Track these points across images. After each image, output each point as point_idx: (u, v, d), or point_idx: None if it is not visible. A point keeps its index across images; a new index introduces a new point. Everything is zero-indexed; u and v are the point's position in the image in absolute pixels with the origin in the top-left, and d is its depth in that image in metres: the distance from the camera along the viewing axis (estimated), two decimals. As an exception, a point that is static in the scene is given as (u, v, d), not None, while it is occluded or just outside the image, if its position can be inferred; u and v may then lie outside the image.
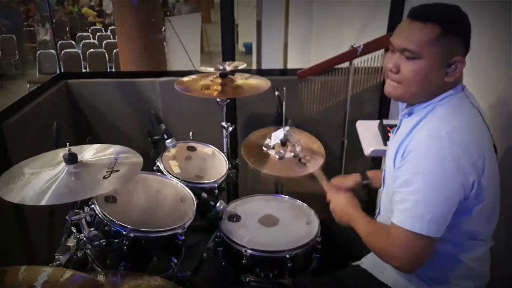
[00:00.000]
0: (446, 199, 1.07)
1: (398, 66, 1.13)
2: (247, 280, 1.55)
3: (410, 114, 1.21)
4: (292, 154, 1.85)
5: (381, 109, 2.50)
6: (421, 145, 1.09)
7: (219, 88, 1.98)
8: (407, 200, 1.09)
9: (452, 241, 1.17)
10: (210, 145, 2.07)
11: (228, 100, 2.09)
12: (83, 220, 1.30)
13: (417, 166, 1.08)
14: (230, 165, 1.97)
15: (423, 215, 1.06)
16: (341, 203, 1.39)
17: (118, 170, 1.25)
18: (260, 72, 2.60)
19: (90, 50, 7.01)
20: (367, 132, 1.98)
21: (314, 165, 1.84)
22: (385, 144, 1.84)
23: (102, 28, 9.74)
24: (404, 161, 1.12)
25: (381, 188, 1.36)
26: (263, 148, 1.95)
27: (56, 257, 1.25)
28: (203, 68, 2.22)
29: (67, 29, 10.08)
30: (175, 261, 1.51)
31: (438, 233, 1.08)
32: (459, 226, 1.14)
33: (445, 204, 1.07)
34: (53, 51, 6.97)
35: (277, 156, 1.87)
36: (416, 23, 1.09)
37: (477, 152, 1.07)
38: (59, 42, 7.59)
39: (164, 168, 1.81)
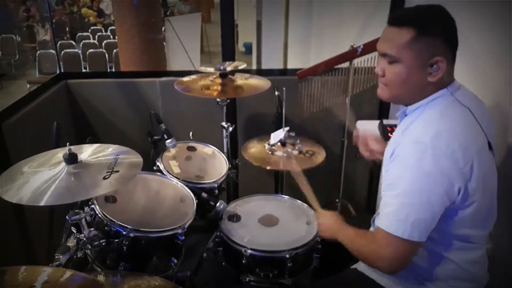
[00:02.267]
0: (429, 205, 1.07)
1: (384, 70, 1.17)
2: (247, 280, 1.55)
3: (406, 115, 1.22)
4: (298, 151, 1.88)
5: (381, 109, 2.50)
6: (406, 150, 1.09)
7: (219, 88, 1.98)
8: (391, 203, 1.10)
9: (444, 244, 1.17)
10: (210, 145, 2.07)
11: (228, 100, 2.09)
12: (83, 220, 1.30)
13: (400, 170, 1.09)
14: (230, 165, 1.97)
15: (405, 220, 1.07)
16: (328, 219, 1.41)
17: (118, 171, 1.25)
18: (260, 72, 2.60)
19: (90, 50, 7.01)
20: (367, 132, 1.98)
21: (319, 159, 1.89)
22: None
23: (102, 28, 9.73)
24: (391, 163, 1.13)
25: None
26: (267, 151, 1.96)
27: (56, 257, 1.25)
28: (203, 68, 2.22)
29: (67, 29, 10.08)
30: (175, 261, 1.51)
31: (421, 238, 1.08)
32: (449, 230, 1.14)
33: (428, 209, 1.07)
34: (53, 51, 6.97)
35: (284, 155, 1.90)
36: (392, 28, 1.12)
37: (464, 157, 1.06)
38: (59, 42, 7.59)
39: (164, 168, 1.80)
